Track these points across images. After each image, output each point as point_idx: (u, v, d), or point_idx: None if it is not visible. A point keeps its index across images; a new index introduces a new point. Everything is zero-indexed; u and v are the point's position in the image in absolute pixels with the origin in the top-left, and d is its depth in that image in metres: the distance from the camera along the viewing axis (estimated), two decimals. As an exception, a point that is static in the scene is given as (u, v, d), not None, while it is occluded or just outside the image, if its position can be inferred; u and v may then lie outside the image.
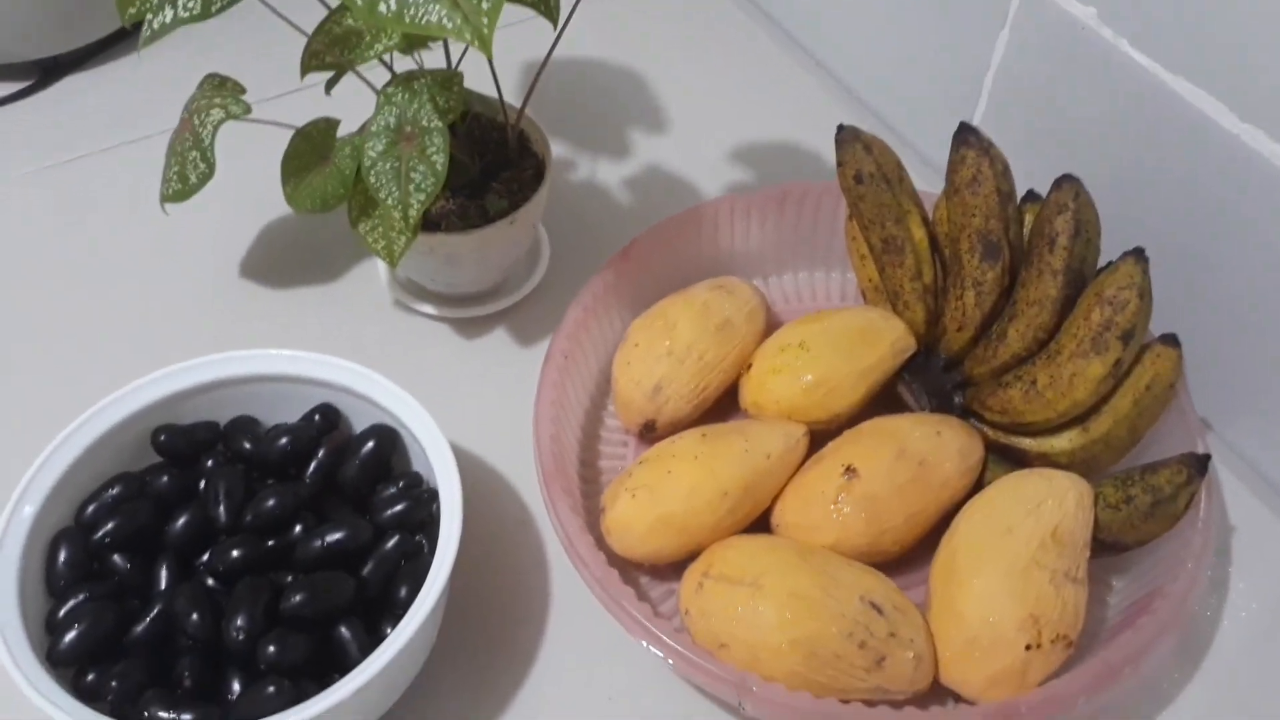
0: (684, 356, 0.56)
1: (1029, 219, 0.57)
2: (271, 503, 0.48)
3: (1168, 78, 0.54)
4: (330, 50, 0.52)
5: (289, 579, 0.47)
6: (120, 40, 0.80)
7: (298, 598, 0.45)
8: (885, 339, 0.56)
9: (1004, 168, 0.55)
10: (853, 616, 0.47)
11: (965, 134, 0.56)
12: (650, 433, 0.57)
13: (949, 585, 0.49)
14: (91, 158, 0.72)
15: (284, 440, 0.50)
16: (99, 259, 0.67)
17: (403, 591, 0.46)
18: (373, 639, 0.45)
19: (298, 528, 0.48)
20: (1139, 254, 0.51)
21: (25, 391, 0.60)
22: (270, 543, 0.48)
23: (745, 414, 0.58)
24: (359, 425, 0.52)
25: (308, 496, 0.49)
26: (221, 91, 0.55)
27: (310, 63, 0.52)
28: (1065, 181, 0.53)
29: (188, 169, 0.55)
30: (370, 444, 0.51)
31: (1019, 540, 0.48)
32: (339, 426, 0.52)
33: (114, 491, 0.49)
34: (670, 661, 0.46)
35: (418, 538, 0.48)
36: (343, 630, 0.45)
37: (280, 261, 0.67)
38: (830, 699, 0.45)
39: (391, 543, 0.47)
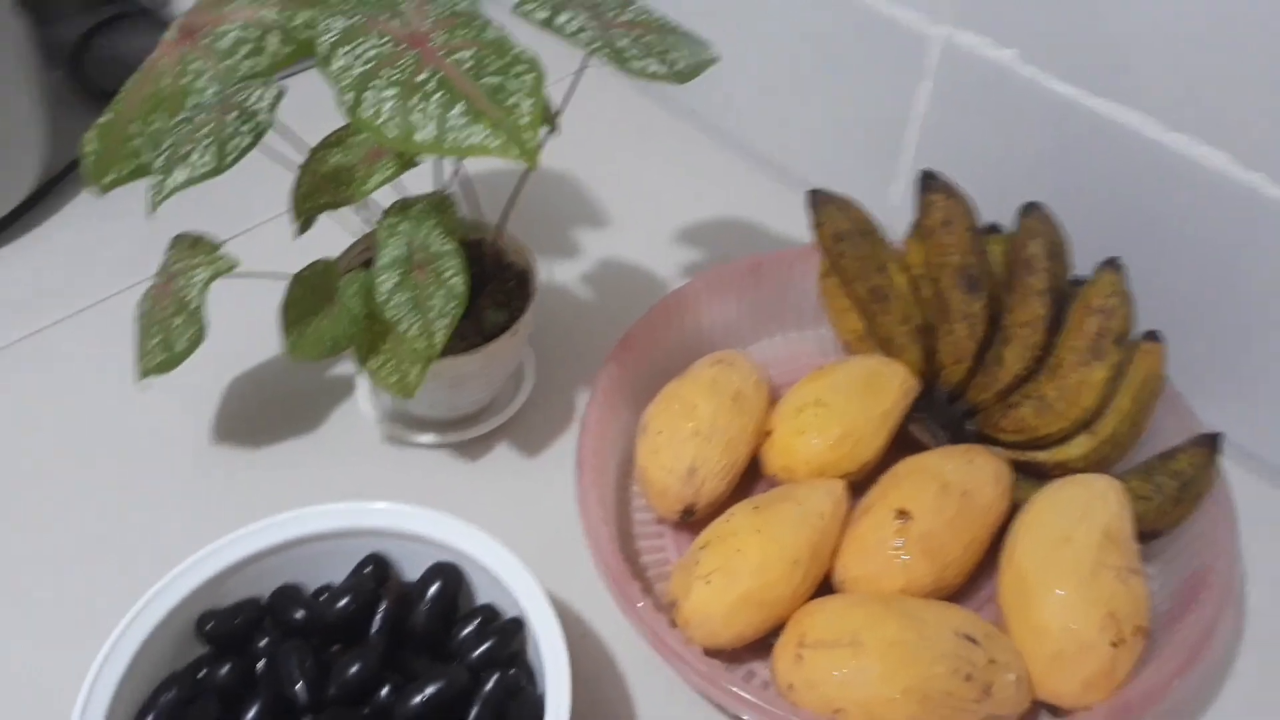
0: (710, 435, 0.56)
1: (992, 249, 0.61)
2: (356, 669, 0.45)
3: (1094, 102, 0.59)
4: (323, 190, 0.50)
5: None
6: (24, 213, 0.74)
7: (419, 762, 0.42)
8: (893, 383, 0.58)
9: (969, 206, 0.59)
10: (953, 652, 0.48)
11: (929, 180, 0.59)
12: (690, 517, 0.57)
13: (1024, 603, 0.50)
14: (27, 340, 0.67)
15: (344, 601, 0.48)
16: (66, 448, 0.62)
17: (519, 731, 0.44)
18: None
19: (384, 690, 0.46)
20: (1114, 263, 0.56)
21: (38, 608, 0.55)
22: (366, 711, 0.45)
23: (771, 481, 0.58)
24: (410, 569, 0.50)
25: (387, 655, 0.47)
26: (198, 250, 0.53)
27: (304, 205, 0.51)
28: (1031, 209, 0.57)
29: (173, 337, 0.52)
30: (436, 585, 0.49)
31: (1080, 547, 0.50)
32: (390, 575, 0.50)
33: (169, 696, 0.45)
34: (799, 738, 0.46)
35: (512, 671, 0.46)
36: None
37: (257, 418, 0.63)
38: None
39: (491, 682, 0.45)
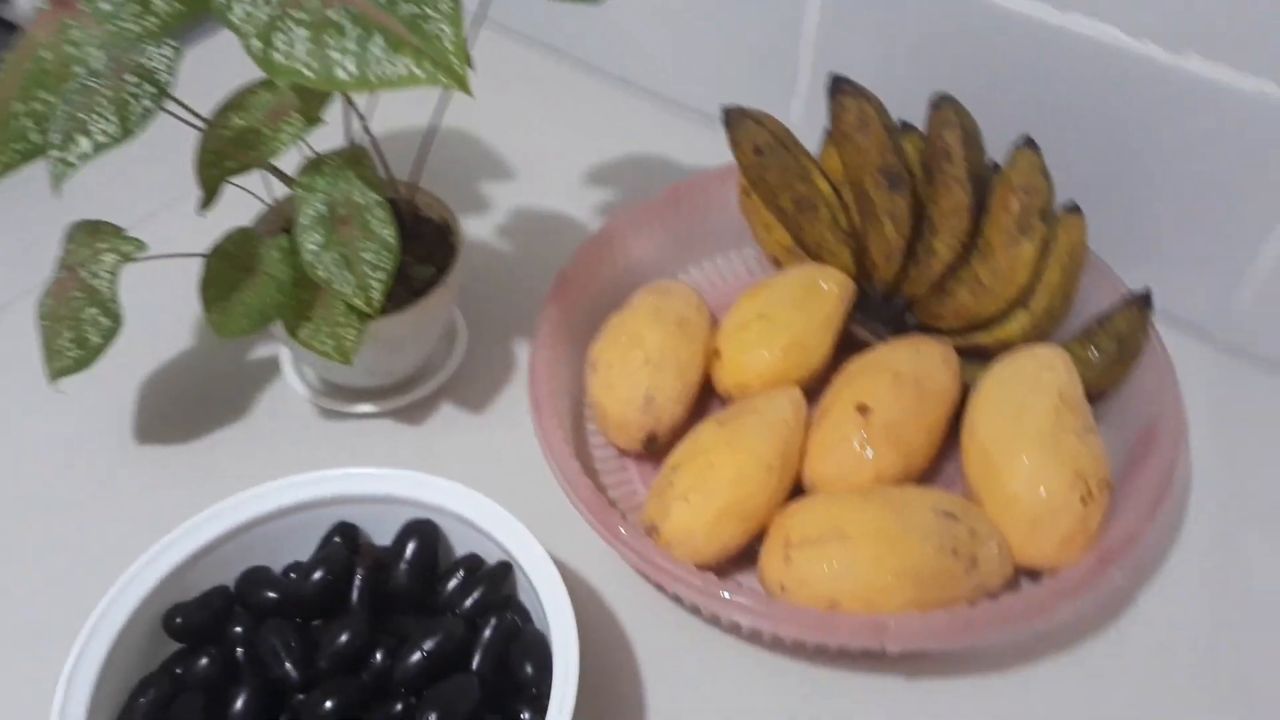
0: (661, 362, 0.56)
1: (907, 146, 0.62)
2: (345, 637, 0.43)
3: (984, -9, 0.60)
4: (229, 155, 0.48)
5: (399, 707, 0.42)
6: None
7: (434, 716, 0.41)
8: (830, 287, 0.59)
9: (880, 106, 0.59)
10: (936, 530, 0.49)
11: (839, 84, 0.59)
12: (653, 446, 0.56)
13: (992, 476, 0.52)
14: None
15: (317, 574, 0.46)
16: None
17: (528, 669, 0.43)
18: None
19: (378, 656, 0.44)
20: (1030, 142, 0.57)
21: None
22: (363, 679, 0.43)
23: (725, 401, 0.58)
24: (382, 534, 0.48)
25: (374, 621, 0.45)
26: (99, 236, 0.50)
27: (210, 172, 0.48)
28: (942, 101, 0.58)
29: (85, 330, 0.49)
30: (413, 544, 0.47)
31: (1037, 414, 0.52)
32: (362, 542, 0.48)
33: (148, 698, 0.43)
34: (802, 631, 0.46)
35: (509, 615, 0.45)
36: (486, 731, 0.42)
37: (182, 410, 0.60)
38: (959, 607, 0.47)
39: (490, 628, 0.44)
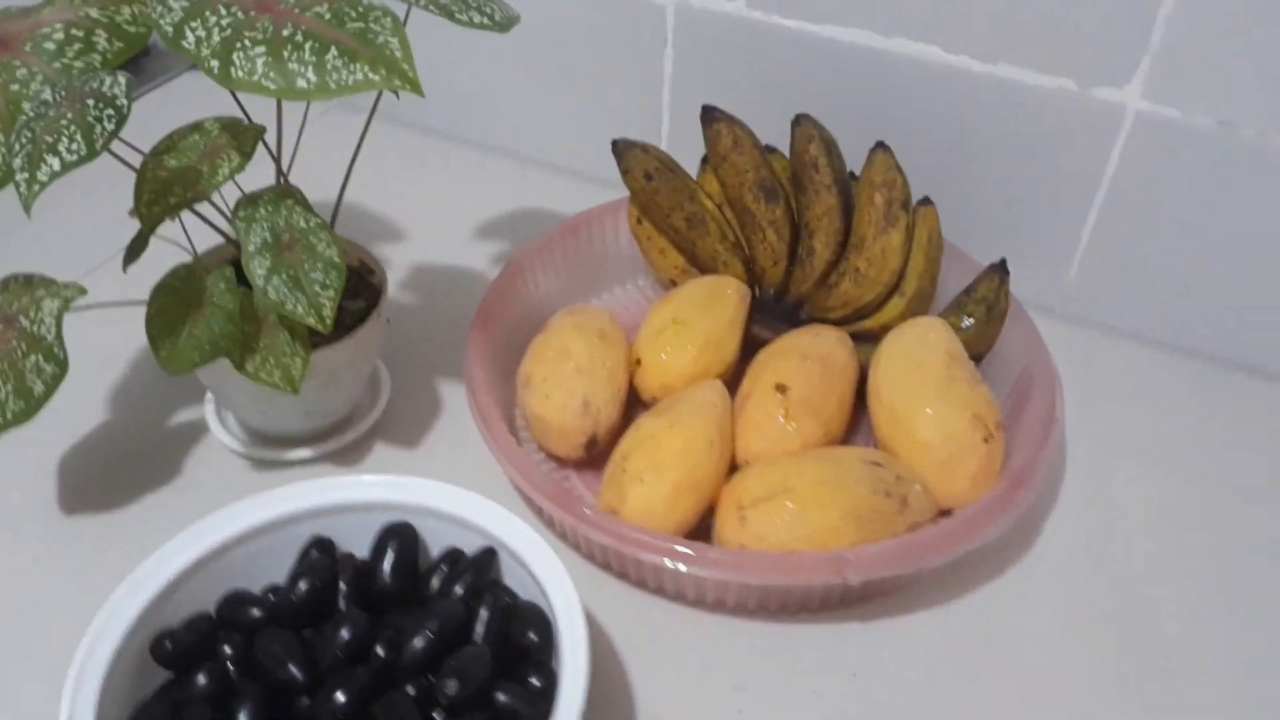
0: (591, 369, 0.59)
1: (775, 165, 0.69)
2: (345, 633, 0.44)
3: (818, 28, 0.69)
4: (169, 193, 0.49)
5: (411, 690, 0.43)
6: None
7: (452, 684, 0.41)
8: (729, 291, 0.64)
9: (748, 128, 0.67)
10: (868, 476, 0.54)
11: (711, 113, 0.66)
12: (594, 448, 0.59)
13: (901, 429, 0.57)
14: None
15: (303, 584, 0.46)
16: None
17: (531, 636, 0.45)
18: (532, 691, 0.43)
19: (379, 650, 0.44)
20: (882, 145, 0.65)
21: None
22: (370, 669, 0.43)
23: (651, 403, 0.62)
24: (357, 545, 0.49)
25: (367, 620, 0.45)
26: (34, 286, 0.50)
27: (152, 211, 0.49)
28: (802, 119, 0.66)
29: (28, 380, 0.48)
30: (393, 546, 0.48)
31: (931, 369, 0.58)
32: (338, 554, 0.49)
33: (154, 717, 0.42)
34: (773, 576, 0.49)
35: (501, 595, 0.47)
36: (502, 697, 0.43)
37: (106, 471, 0.59)
38: (905, 536, 0.52)
39: (486, 605, 0.45)
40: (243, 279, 0.51)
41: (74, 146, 0.42)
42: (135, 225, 0.51)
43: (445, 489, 0.48)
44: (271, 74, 0.43)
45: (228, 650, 0.45)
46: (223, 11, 0.44)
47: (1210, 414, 0.66)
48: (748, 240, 0.67)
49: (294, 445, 0.60)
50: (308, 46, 0.43)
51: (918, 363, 0.59)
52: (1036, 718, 0.50)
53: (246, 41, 0.43)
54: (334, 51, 0.43)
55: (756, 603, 0.54)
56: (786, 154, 0.68)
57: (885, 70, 0.69)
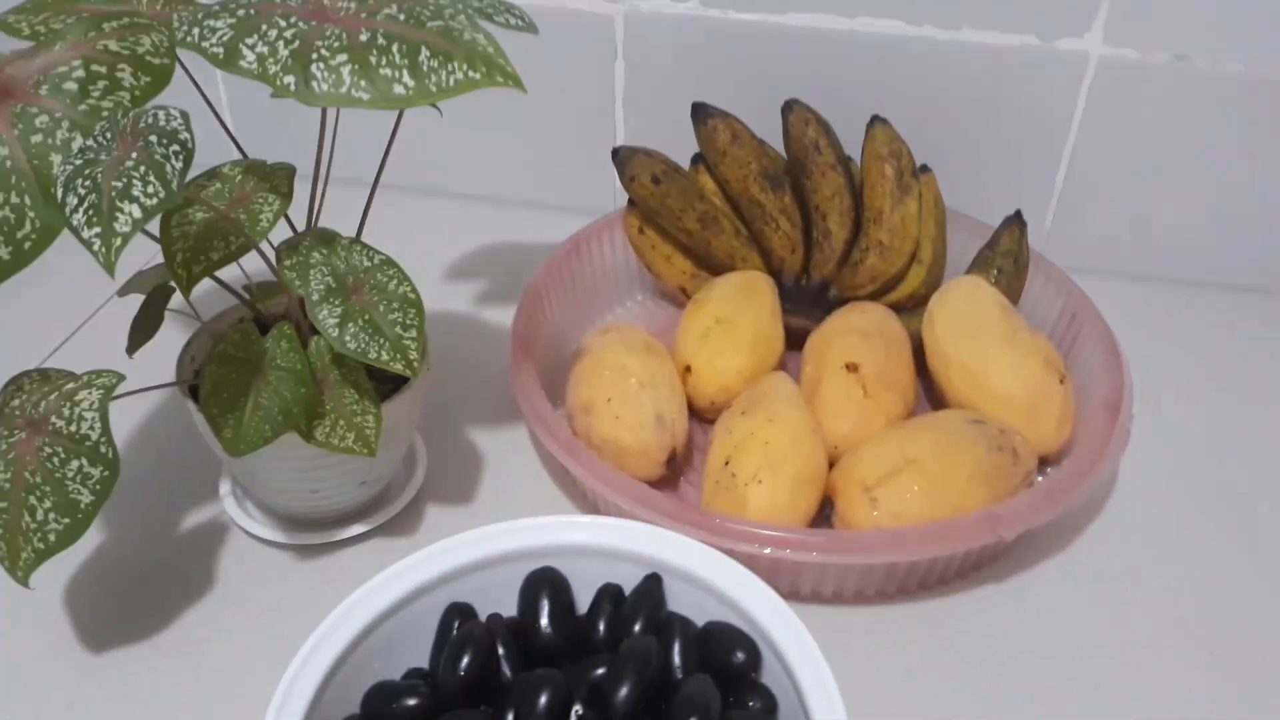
0: (654, 381, 0.56)
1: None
2: (545, 698, 0.38)
3: (780, 19, 0.68)
4: (208, 247, 0.43)
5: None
6: None
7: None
8: (760, 282, 0.62)
9: (743, 122, 0.65)
10: (978, 435, 0.53)
11: (703, 110, 0.64)
12: (674, 464, 0.55)
13: (980, 385, 0.56)
14: None
15: (467, 659, 0.40)
16: None
17: (739, 656, 0.40)
18: (755, 714, 0.39)
19: (577, 710, 0.39)
20: (880, 118, 0.65)
21: None
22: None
23: (708, 411, 0.59)
24: (493, 605, 0.43)
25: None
26: (54, 382, 0.42)
27: (192, 272, 0.42)
28: (792, 105, 0.65)
29: (72, 489, 0.40)
30: (545, 594, 0.42)
31: (991, 323, 0.58)
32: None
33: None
34: (935, 546, 0.47)
35: (682, 621, 0.42)
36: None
37: (131, 597, 0.50)
38: (1042, 483, 0.51)
39: (677, 634, 0.41)
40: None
41: (150, 190, 0.35)
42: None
43: (595, 522, 0.44)
44: (362, 83, 0.38)
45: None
46: (282, 24, 0.39)
47: (1214, 333, 0.69)
48: (759, 233, 0.65)
49: (338, 525, 0.53)
50: (395, 49, 0.38)
51: (977, 319, 0.58)
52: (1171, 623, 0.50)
53: (323, 51, 0.38)
54: (425, 52, 0.39)
55: (876, 588, 0.51)
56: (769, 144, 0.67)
57: (851, 51, 0.69)
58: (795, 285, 0.65)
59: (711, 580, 0.42)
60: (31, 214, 0.37)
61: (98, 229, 0.35)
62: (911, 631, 0.50)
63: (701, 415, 0.60)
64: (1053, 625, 0.51)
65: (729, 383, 0.58)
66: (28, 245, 0.37)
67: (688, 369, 0.59)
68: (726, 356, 0.59)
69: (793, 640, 0.39)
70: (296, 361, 0.44)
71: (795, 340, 0.63)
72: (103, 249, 0.34)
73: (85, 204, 0.35)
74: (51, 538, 0.41)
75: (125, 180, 0.35)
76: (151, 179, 0.35)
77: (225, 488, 0.55)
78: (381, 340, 0.44)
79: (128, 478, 0.56)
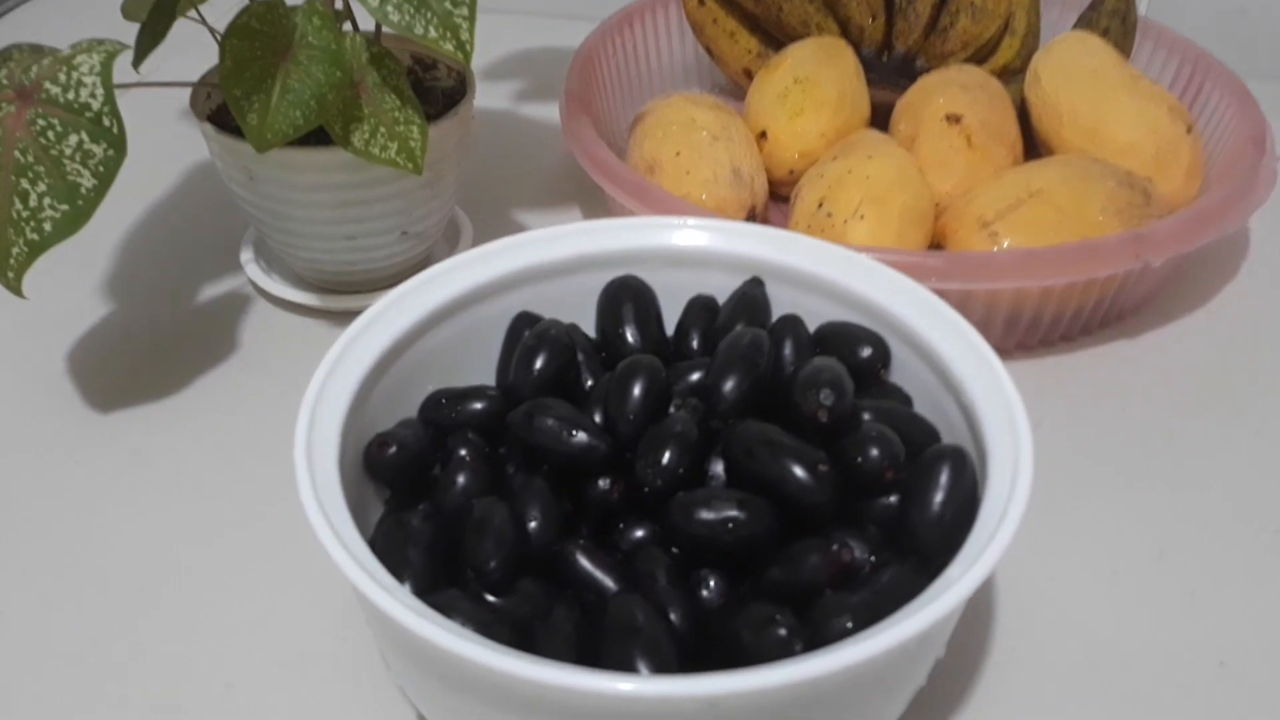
0: (728, 135, 0.49)
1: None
2: (639, 386, 0.32)
3: None
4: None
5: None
6: None
7: (827, 394, 0.30)
8: (839, 45, 0.55)
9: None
10: (1105, 171, 0.46)
11: None
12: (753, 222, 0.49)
13: (1101, 136, 0.49)
14: None
15: (541, 361, 0.33)
16: None
17: (864, 351, 0.34)
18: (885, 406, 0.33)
19: (677, 404, 0.32)
20: None
21: None
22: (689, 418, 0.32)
23: (786, 183, 0.52)
24: (568, 316, 0.37)
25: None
26: (45, 53, 0.35)
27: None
28: None
29: (70, 169, 0.34)
30: (628, 303, 0.36)
31: (1109, 70, 0.51)
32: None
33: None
34: (1075, 270, 0.41)
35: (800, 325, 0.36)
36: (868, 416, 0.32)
37: (130, 348, 0.44)
38: (1191, 208, 0.44)
39: (789, 334, 0.34)
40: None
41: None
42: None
43: (684, 223, 0.37)
44: None
45: (464, 454, 0.32)
46: None
47: None
48: (835, 0, 0.58)
49: (373, 289, 0.47)
50: None
51: (1092, 68, 0.51)
52: None
53: None
54: None
55: (996, 338, 0.44)
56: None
57: None
58: (876, 59, 0.58)
59: (830, 277, 0.35)
60: None
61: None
62: (1035, 387, 0.44)
63: (779, 189, 0.53)
64: (1184, 385, 0.44)
65: (811, 147, 0.52)
66: None
67: (763, 134, 0.52)
68: (808, 118, 0.52)
69: (948, 335, 0.32)
70: (330, 40, 0.37)
71: (879, 118, 0.56)
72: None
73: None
74: (47, 227, 0.34)
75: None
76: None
77: (248, 254, 0.48)
78: (429, 14, 0.37)
79: (137, 243, 0.51)
